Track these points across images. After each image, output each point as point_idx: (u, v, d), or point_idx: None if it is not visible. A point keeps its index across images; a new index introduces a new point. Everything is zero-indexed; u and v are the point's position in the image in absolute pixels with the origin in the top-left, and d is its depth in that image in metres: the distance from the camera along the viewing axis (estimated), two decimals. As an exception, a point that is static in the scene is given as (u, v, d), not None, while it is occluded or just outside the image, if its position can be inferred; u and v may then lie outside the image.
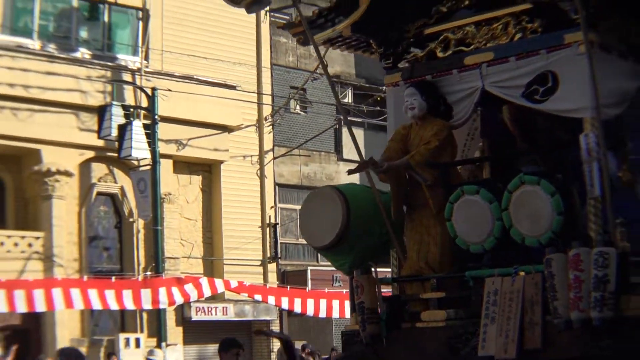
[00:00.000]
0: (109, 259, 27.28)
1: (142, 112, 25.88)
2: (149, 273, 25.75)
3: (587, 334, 7.36)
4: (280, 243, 29.79)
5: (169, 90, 26.40)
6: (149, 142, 25.22)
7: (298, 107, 30.61)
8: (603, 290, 7.25)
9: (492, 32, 8.50)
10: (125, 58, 27.29)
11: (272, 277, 29.44)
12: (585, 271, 7.33)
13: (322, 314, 28.07)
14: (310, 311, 27.82)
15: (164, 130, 25.90)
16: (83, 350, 23.24)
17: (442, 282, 8.50)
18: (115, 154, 25.72)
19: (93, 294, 22.87)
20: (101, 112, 25.32)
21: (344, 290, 22.97)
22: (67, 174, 25.50)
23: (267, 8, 8.72)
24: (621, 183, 8.45)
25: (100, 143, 25.78)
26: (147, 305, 23.79)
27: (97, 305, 22.83)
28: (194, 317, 27.34)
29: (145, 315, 26.39)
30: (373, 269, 8.71)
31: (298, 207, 25.33)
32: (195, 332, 25.85)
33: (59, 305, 22.16)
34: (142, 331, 26.37)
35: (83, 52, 26.41)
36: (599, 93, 7.57)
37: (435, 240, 8.60)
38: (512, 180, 7.96)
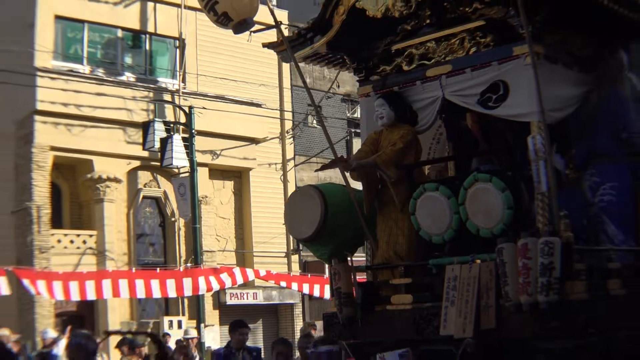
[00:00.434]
0: (154, 253, 27.06)
1: (181, 127, 25.69)
2: (189, 264, 25.55)
3: (536, 316, 6.98)
4: (301, 237, 29.52)
5: (204, 108, 26.19)
6: (187, 153, 25.05)
7: (315, 121, 30.38)
8: (549, 276, 6.88)
9: (450, 47, 8.12)
10: (165, 81, 27.14)
11: (295, 267, 29.19)
12: (533, 259, 6.96)
13: (338, 297, 27.79)
14: (327, 295, 27.51)
15: (200, 142, 25.72)
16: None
17: (409, 269, 8.13)
18: (158, 163, 25.47)
19: (140, 283, 22.62)
20: (145, 127, 25.19)
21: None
22: (117, 180, 25.40)
23: (253, 28, 8.36)
24: (568, 180, 8.14)
25: (145, 154, 25.54)
26: (187, 292, 23.52)
27: (141, 294, 22.57)
28: (229, 302, 27.19)
29: (186, 301, 26.19)
30: (349, 258, 8.40)
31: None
32: (229, 314, 25.44)
33: (107, 294, 21.94)
34: (183, 314, 26.22)
35: (128, 76, 26.29)
36: (542, 99, 7.20)
37: (402, 232, 8.21)
38: (467, 178, 7.64)
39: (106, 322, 24.36)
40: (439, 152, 9.12)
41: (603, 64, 8.17)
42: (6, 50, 22.84)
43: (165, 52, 27.54)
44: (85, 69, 25.29)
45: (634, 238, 8.02)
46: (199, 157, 25.63)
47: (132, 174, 26.30)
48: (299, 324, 27.86)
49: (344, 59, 8.97)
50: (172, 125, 25.70)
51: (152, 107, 26.27)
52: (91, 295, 21.65)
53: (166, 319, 25.26)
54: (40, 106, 23.71)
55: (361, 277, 8.52)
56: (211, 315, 26.13)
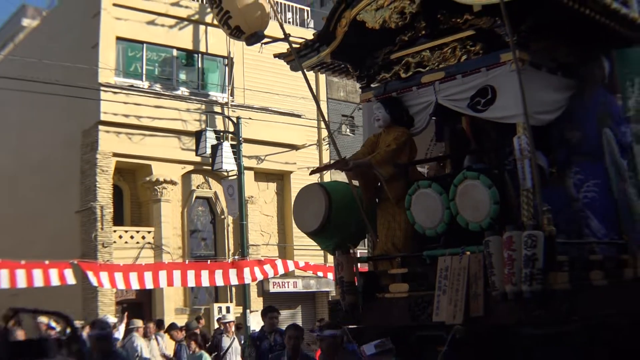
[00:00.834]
0: (206, 247, 26.90)
1: (230, 135, 25.52)
2: (236, 257, 25.33)
3: (520, 305, 6.59)
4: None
5: (250, 118, 26.08)
6: (235, 158, 24.86)
7: (348, 130, 30.08)
8: (532, 267, 6.52)
9: (443, 55, 7.73)
10: (215, 94, 26.98)
11: (330, 258, 28.57)
12: (517, 251, 6.60)
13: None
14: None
15: (246, 148, 25.55)
16: (185, 317, 23.03)
17: (405, 260, 7.79)
18: (210, 167, 25.30)
19: (191, 274, 22.37)
20: (198, 135, 25.04)
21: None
22: (172, 182, 25.32)
23: (265, 40, 8.11)
24: (552, 178, 7.71)
25: (198, 159, 25.38)
26: (234, 281, 23.20)
27: (192, 283, 22.27)
28: (271, 290, 26.94)
29: (234, 289, 26.03)
30: (352, 250, 8.12)
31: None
32: (272, 301, 25.06)
33: (163, 284, 21.68)
34: (231, 301, 26.11)
35: (182, 90, 26.20)
36: (525, 102, 6.79)
37: (400, 226, 7.86)
38: (457, 175, 7.24)
39: (162, 309, 24.29)
40: (436, 152, 8.75)
41: (585, 70, 7.71)
42: (74, 67, 22.82)
43: (216, 69, 27.39)
44: (144, 84, 25.22)
45: (615, 232, 7.56)
46: (245, 162, 25.44)
47: (186, 177, 26.19)
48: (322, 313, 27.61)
49: (347, 68, 8.60)
50: (221, 133, 25.55)
51: (204, 117, 26.12)
52: (149, 285, 21.42)
53: (216, 306, 25.23)
54: (104, 117, 23.68)
55: (363, 267, 8.21)
56: (256, 302, 25.88)
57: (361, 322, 7.89)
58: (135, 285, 21.20)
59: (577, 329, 6.60)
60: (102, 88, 23.58)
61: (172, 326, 18.61)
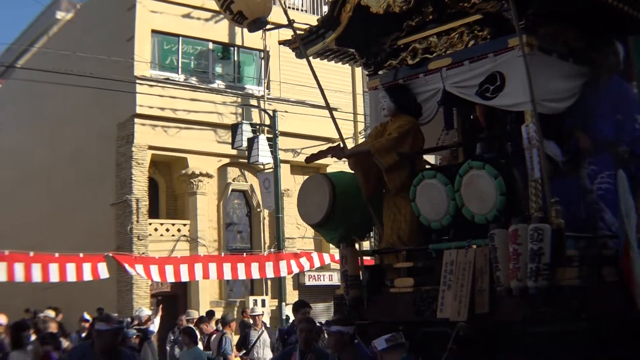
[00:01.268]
0: (242, 240, 26.80)
1: (266, 128, 25.47)
2: (272, 250, 25.25)
3: (526, 301, 6.22)
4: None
5: (286, 111, 26.01)
6: (271, 151, 24.83)
7: (385, 123, 29.77)
8: (538, 262, 6.12)
9: (451, 40, 7.37)
10: (251, 87, 26.89)
11: (366, 252, 28.54)
12: (523, 245, 6.21)
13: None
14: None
15: (282, 141, 25.44)
16: (220, 309, 22.91)
17: (411, 253, 7.46)
18: (246, 160, 25.28)
19: (227, 267, 22.24)
20: (234, 128, 25.07)
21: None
22: (208, 175, 25.29)
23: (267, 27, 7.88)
24: (564, 168, 7.28)
25: (234, 152, 25.37)
26: (270, 274, 23.10)
27: (228, 276, 22.25)
28: (307, 283, 26.73)
29: (269, 282, 25.96)
30: (357, 243, 7.77)
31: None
32: (307, 294, 24.93)
33: (199, 276, 21.63)
34: (267, 294, 26.01)
35: (218, 83, 26.14)
36: (532, 89, 6.40)
37: (405, 218, 7.50)
38: (462, 165, 6.88)
39: (197, 302, 24.20)
40: (447, 141, 8.33)
41: (599, 56, 7.28)
42: (109, 60, 22.79)
43: (252, 62, 27.28)
44: (180, 77, 25.18)
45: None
46: (281, 155, 25.37)
47: (222, 170, 26.13)
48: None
49: (354, 55, 8.27)
50: (257, 126, 25.53)
51: (240, 110, 26.05)
52: (185, 277, 21.41)
53: (251, 298, 25.10)
54: (139, 110, 23.68)
55: (370, 261, 7.91)
56: (291, 294, 25.71)
57: (366, 317, 7.55)
58: (171, 278, 21.19)
59: (585, 327, 6.19)
60: (137, 81, 23.57)
61: (202, 319, 18.49)
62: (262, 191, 25.53)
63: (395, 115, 7.67)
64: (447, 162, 8.35)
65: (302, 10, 28.14)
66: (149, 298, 23.35)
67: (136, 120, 23.71)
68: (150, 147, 23.99)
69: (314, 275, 26.84)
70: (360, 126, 28.89)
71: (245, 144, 24.77)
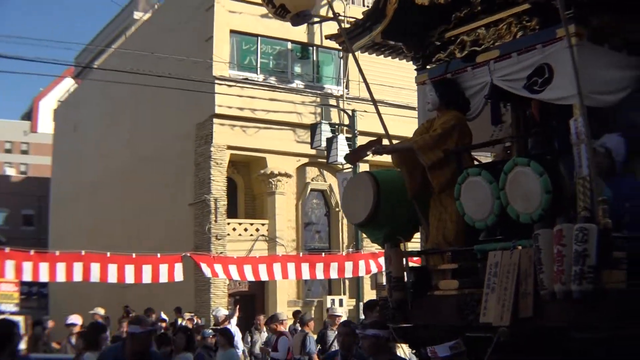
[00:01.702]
0: (320, 239, 26.78)
1: (345, 128, 25.39)
2: (351, 249, 25.07)
3: (570, 305, 5.86)
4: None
5: (365, 111, 25.73)
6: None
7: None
8: (582, 264, 5.76)
9: (499, 32, 7.08)
10: (330, 87, 26.86)
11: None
12: (567, 246, 5.85)
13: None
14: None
15: (361, 141, 25.02)
16: (297, 309, 22.80)
17: (456, 255, 7.19)
18: (325, 160, 25.26)
19: (305, 267, 22.16)
20: (313, 128, 25.07)
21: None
22: (287, 175, 25.33)
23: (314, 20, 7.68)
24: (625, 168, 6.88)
25: (313, 152, 25.40)
26: (348, 274, 22.94)
27: (306, 276, 22.15)
28: (384, 283, 26.21)
29: (347, 282, 25.84)
30: (401, 243, 7.55)
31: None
32: (386, 295, 24.70)
33: (278, 276, 21.61)
34: (344, 294, 25.88)
35: (297, 83, 26.19)
36: (579, 81, 6.03)
37: (451, 217, 7.23)
38: (507, 162, 6.55)
39: (275, 301, 24.18)
40: (501, 136, 7.98)
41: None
42: (188, 61, 22.96)
43: (330, 62, 27.21)
44: (258, 77, 25.29)
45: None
46: (360, 155, 24.98)
47: (301, 170, 26.15)
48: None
49: (401, 48, 8.00)
50: (336, 126, 25.50)
51: (319, 110, 26.03)
52: (264, 277, 21.47)
53: (329, 298, 25.09)
54: (218, 110, 23.84)
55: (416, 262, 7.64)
56: (369, 294, 25.33)
57: (410, 320, 7.29)
58: (250, 277, 21.25)
59: (632, 333, 5.80)
60: (216, 81, 23.69)
61: (273, 318, 18.36)
62: (341, 191, 25.33)
63: (441, 110, 7.43)
64: (501, 158, 8.00)
65: (352, 3, 27.62)
66: (227, 298, 23.46)
67: (215, 120, 23.86)
68: (229, 147, 24.13)
69: (392, 275, 26.51)
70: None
71: (324, 143, 24.73)
